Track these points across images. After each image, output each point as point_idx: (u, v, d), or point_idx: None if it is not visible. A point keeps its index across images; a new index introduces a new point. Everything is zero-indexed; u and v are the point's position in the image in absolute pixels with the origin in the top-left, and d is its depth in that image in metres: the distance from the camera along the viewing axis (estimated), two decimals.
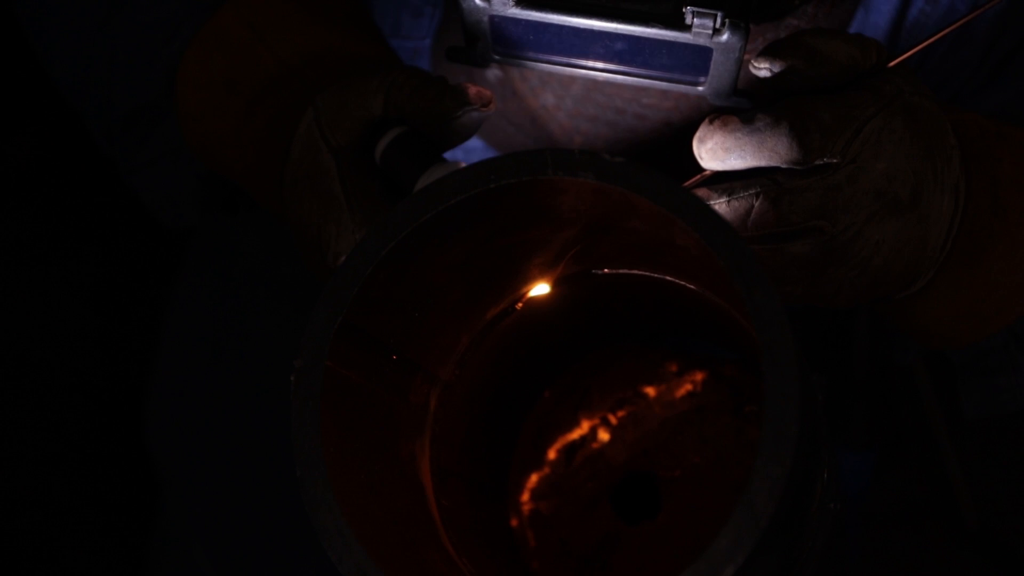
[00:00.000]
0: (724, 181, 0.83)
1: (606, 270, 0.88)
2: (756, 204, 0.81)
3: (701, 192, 0.83)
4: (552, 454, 0.96)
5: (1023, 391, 0.99)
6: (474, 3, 0.84)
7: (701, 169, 0.85)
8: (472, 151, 1.22)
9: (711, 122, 0.82)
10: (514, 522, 0.94)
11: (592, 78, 0.90)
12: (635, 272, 0.87)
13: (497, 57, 0.89)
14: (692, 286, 0.85)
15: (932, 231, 0.85)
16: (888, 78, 0.84)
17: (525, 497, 0.95)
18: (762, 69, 0.83)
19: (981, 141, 0.88)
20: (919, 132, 0.83)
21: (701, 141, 0.82)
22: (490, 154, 1.22)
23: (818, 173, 0.81)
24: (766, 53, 0.83)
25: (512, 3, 0.84)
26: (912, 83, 0.85)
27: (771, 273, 0.83)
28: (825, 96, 0.82)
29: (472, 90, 0.86)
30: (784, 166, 0.82)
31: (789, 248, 0.82)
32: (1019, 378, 0.98)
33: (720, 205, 0.82)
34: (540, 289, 0.89)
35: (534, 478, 0.95)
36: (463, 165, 0.82)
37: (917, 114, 0.84)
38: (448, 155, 0.94)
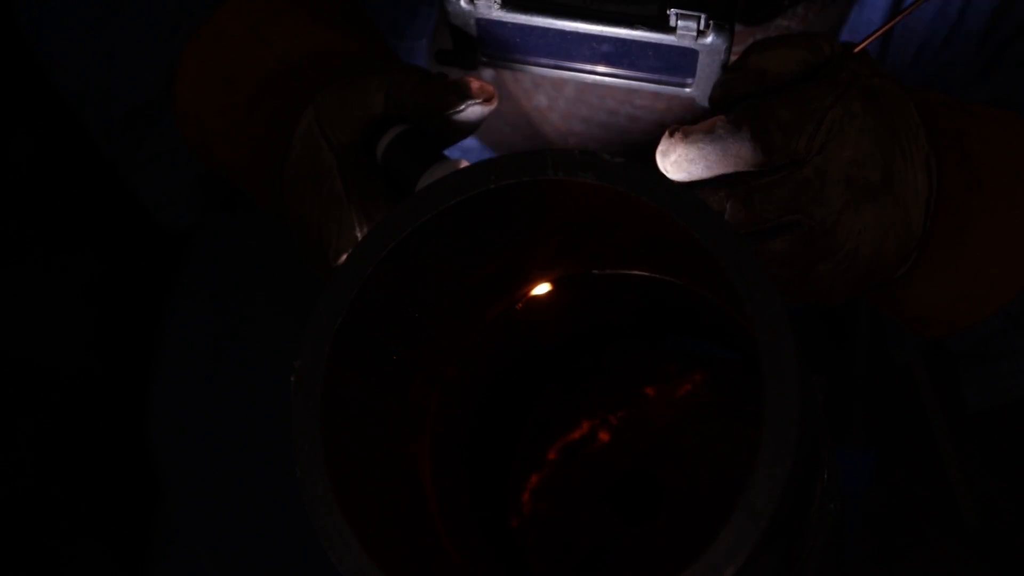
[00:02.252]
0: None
1: (606, 270, 0.88)
2: (728, 206, 0.81)
3: None
4: (552, 454, 0.96)
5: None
6: (459, 6, 0.85)
7: None
8: (469, 151, 1.22)
9: (671, 135, 0.82)
10: (514, 522, 0.94)
11: (581, 80, 0.90)
12: (635, 272, 0.87)
13: (485, 60, 0.89)
14: (692, 286, 0.85)
15: (913, 211, 0.84)
16: (843, 65, 0.84)
17: (525, 497, 0.95)
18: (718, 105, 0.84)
19: (947, 116, 0.88)
20: (881, 114, 0.83)
21: (664, 155, 0.82)
22: (487, 154, 1.22)
23: (786, 170, 0.81)
24: (719, 89, 0.84)
25: (497, 6, 0.84)
26: (869, 66, 0.84)
27: None
28: (782, 94, 0.82)
29: (475, 84, 0.87)
30: (750, 169, 0.81)
31: (769, 246, 0.82)
32: (1020, 363, 0.98)
33: None
34: (540, 289, 0.89)
35: (534, 478, 0.95)
36: (465, 163, 0.82)
37: (877, 96, 0.83)
38: (446, 153, 0.94)
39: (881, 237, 0.83)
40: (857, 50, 0.85)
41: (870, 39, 0.85)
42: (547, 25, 0.85)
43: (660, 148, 0.82)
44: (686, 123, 1.11)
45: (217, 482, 1.37)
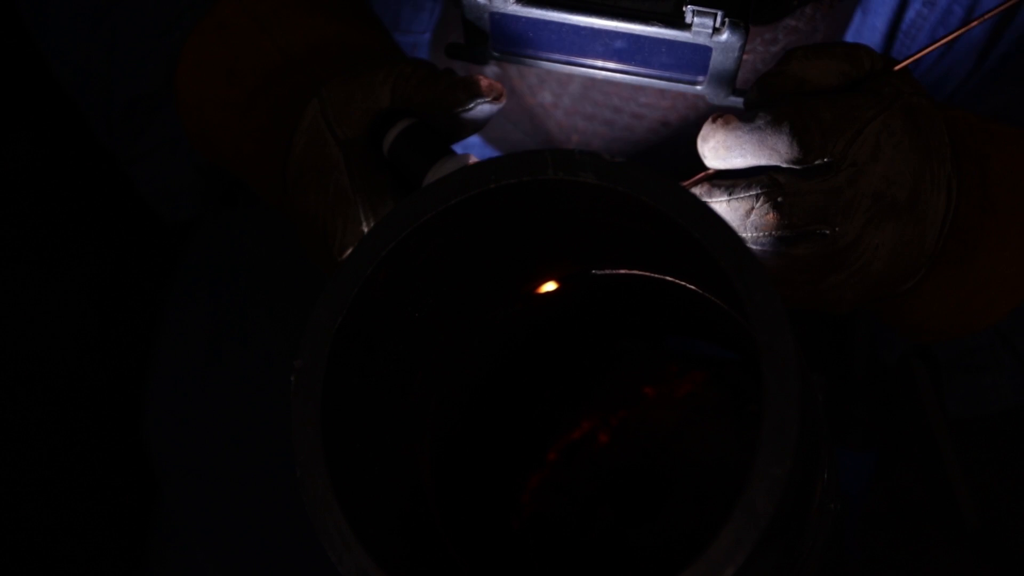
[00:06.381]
0: (726, 179, 0.84)
1: (606, 270, 0.88)
2: (756, 205, 0.82)
3: (702, 187, 0.84)
4: (552, 455, 0.96)
5: (1006, 391, 1.00)
6: (475, 0, 0.85)
7: (699, 168, 0.85)
8: (470, 147, 1.21)
9: (713, 120, 0.83)
10: (514, 522, 0.94)
11: (591, 76, 0.90)
12: (635, 272, 0.87)
13: (496, 54, 0.89)
14: (692, 286, 0.85)
15: (929, 231, 0.85)
16: (887, 80, 0.84)
17: (525, 498, 0.95)
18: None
19: (970, 137, 0.88)
20: (918, 134, 0.83)
21: (704, 140, 0.83)
22: (488, 150, 1.22)
23: (819, 174, 0.81)
24: (756, 90, 0.84)
25: (512, 0, 0.84)
26: (910, 84, 0.85)
27: (775, 276, 0.84)
28: (827, 96, 0.83)
29: (484, 82, 0.87)
30: (784, 165, 0.82)
31: (791, 251, 0.83)
32: (1003, 377, 0.99)
33: (720, 204, 0.82)
34: (540, 289, 0.89)
35: (534, 479, 0.95)
36: (473, 158, 0.81)
37: (916, 116, 0.84)
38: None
39: (895, 253, 0.84)
40: (899, 68, 0.85)
41: (912, 58, 0.86)
42: (561, 20, 0.85)
43: (701, 133, 0.83)
44: (690, 122, 1.12)
45: (215, 481, 1.37)
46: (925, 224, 0.84)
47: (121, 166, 1.13)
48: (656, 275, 0.86)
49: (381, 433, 0.80)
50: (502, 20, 0.86)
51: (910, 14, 1.08)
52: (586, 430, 0.96)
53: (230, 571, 1.35)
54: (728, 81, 0.87)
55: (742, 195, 0.82)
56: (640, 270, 0.87)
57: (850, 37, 1.10)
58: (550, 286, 0.88)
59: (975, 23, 0.88)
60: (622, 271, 0.87)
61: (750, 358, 0.91)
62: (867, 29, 1.09)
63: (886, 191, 0.82)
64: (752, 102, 0.85)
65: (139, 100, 1.07)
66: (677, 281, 0.86)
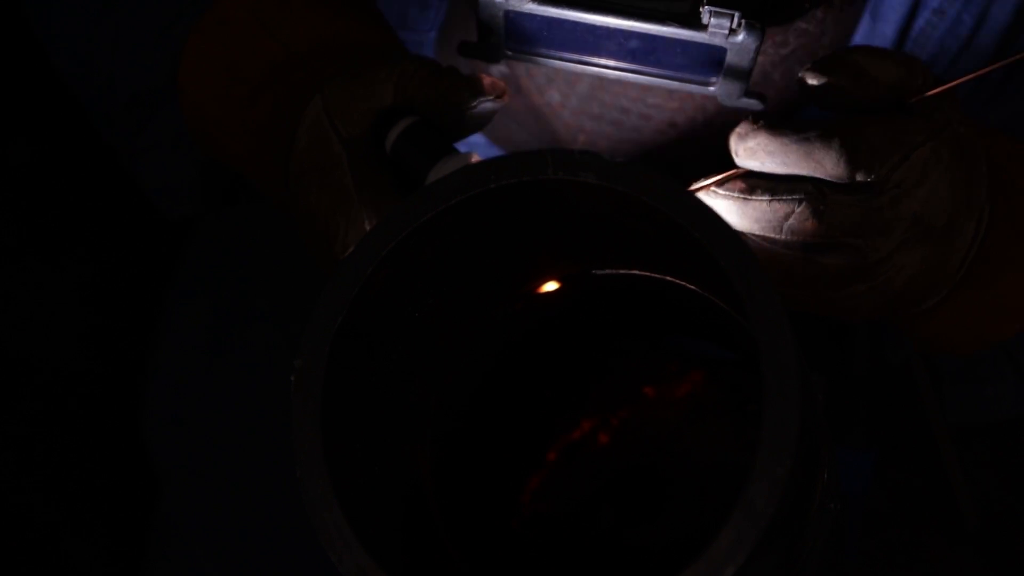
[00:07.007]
0: (764, 179, 0.83)
1: (606, 270, 0.88)
2: (797, 210, 0.81)
3: (737, 184, 0.83)
4: (552, 455, 0.96)
5: (1007, 402, 1.01)
6: None
7: (703, 170, 0.85)
8: (474, 146, 1.21)
9: (755, 121, 0.82)
10: (514, 522, 0.94)
11: (601, 76, 0.90)
12: (635, 272, 0.87)
13: (510, 53, 0.89)
14: (692, 286, 0.85)
15: (953, 258, 0.85)
16: (938, 106, 0.84)
17: (526, 498, 0.95)
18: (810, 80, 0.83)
19: (1006, 167, 0.89)
20: (964, 166, 0.84)
21: (741, 138, 0.82)
22: (492, 150, 1.22)
23: (860, 191, 0.81)
24: (814, 69, 0.83)
25: None
26: (958, 111, 0.85)
27: (797, 280, 0.84)
28: (877, 118, 0.83)
29: (487, 80, 0.86)
30: (826, 178, 0.82)
31: (820, 259, 0.83)
32: (1004, 389, 1.00)
33: (760, 203, 0.82)
34: (540, 289, 0.89)
35: (534, 479, 0.95)
36: (476, 157, 0.81)
37: (963, 147, 0.84)
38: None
39: (918, 274, 0.84)
40: (934, 92, 0.85)
41: (957, 82, 0.86)
42: (577, 19, 0.85)
43: (738, 130, 0.82)
44: (697, 123, 1.12)
45: (215, 481, 1.37)
46: (951, 250, 0.85)
47: (122, 162, 1.13)
48: (656, 275, 0.86)
49: (381, 433, 0.80)
50: (517, 18, 0.86)
51: (919, 22, 1.08)
52: (586, 430, 0.96)
53: (230, 571, 1.35)
54: (741, 82, 0.86)
55: (785, 198, 0.82)
56: (640, 270, 0.87)
57: (859, 42, 1.10)
58: (550, 286, 0.88)
59: (1013, 59, 0.87)
60: (622, 271, 0.87)
61: (750, 358, 0.91)
62: (876, 35, 1.09)
63: (924, 214, 0.83)
64: (803, 78, 0.83)
65: (141, 96, 1.07)
66: (677, 281, 0.86)
